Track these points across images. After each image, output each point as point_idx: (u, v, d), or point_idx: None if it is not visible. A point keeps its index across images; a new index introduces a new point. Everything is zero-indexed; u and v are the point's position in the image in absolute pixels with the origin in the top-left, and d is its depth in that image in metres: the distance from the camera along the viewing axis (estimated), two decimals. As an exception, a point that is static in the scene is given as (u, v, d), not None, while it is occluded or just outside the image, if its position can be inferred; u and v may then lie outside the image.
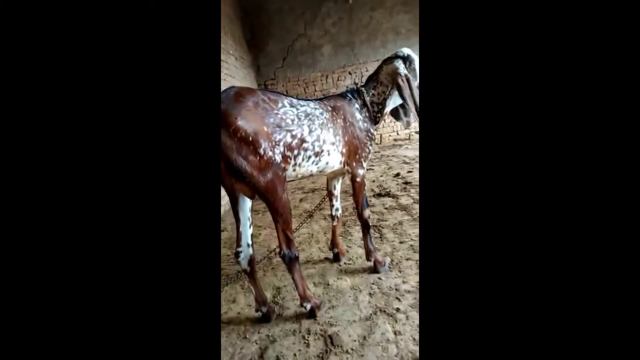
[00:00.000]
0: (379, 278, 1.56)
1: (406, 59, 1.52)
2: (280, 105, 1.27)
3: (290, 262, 1.27)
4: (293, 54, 6.38)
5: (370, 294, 1.45)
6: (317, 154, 1.34)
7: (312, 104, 1.39)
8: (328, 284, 1.59)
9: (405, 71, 1.48)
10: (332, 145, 1.39)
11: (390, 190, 2.99)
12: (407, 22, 6.16)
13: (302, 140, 1.27)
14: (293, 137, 1.24)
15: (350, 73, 6.42)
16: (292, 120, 1.26)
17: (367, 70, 6.38)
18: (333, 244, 1.83)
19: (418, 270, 1.57)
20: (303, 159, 1.30)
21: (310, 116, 1.32)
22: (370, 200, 2.80)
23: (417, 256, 1.71)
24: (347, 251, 1.90)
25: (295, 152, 1.26)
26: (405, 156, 4.73)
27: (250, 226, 1.34)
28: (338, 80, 6.42)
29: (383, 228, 2.16)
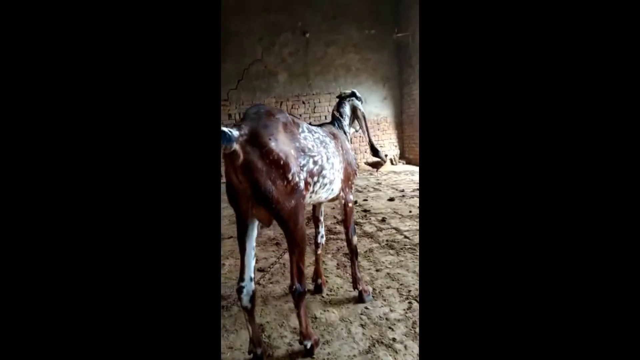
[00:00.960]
0: (366, 308, 1.56)
1: (360, 99, 1.83)
2: (301, 129, 1.24)
3: (299, 297, 1.19)
4: (248, 77, 6.36)
5: (362, 325, 1.43)
6: (330, 182, 1.34)
7: (320, 130, 1.40)
8: (315, 317, 1.52)
9: (362, 109, 1.80)
10: (337, 172, 1.41)
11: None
12: (356, 62, 6.73)
13: (322, 167, 1.26)
14: (315, 163, 1.22)
15: (304, 102, 6.63)
16: (312, 146, 1.23)
17: (319, 102, 6.68)
18: (317, 274, 1.78)
19: (401, 298, 1.62)
20: (320, 186, 1.28)
21: (324, 143, 1.33)
22: (335, 228, 2.84)
23: (396, 284, 1.77)
24: (326, 281, 1.87)
25: (315, 178, 1.23)
26: (356, 185, 4.96)
27: (254, 257, 1.23)
28: (292, 108, 6.57)
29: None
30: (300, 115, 6.43)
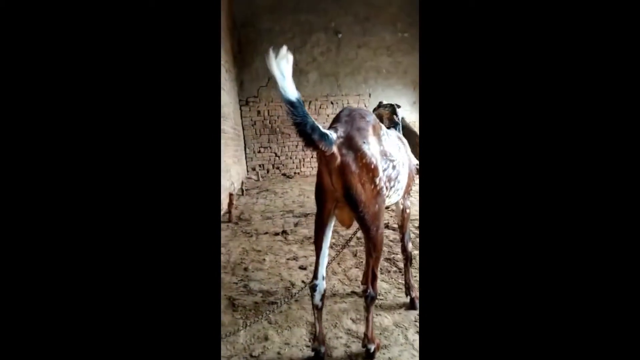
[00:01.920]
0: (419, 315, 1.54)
1: (394, 111, 1.81)
2: (382, 131, 1.23)
3: (371, 302, 1.18)
4: (279, 75, 6.39)
5: (417, 332, 1.41)
6: (402, 187, 1.33)
7: (393, 134, 1.38)
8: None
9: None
10: (404, 177, 1.39)
11: (388, 222, 3.05)
12: (388, 64, 6.67)
13: (398, 172, 1.24)
14: (393, 167, 1.20)
15: (332, 103, 6.63)
16: (392, 151, 1.22)
17: (348, 103, 6.66)
18: (407, 286, 1.62)
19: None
20: (394, 192, 1.27)
21: (399, 147, 1.32)
22: (371, 231, 2.82)
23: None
24: (372, 284, 1.86)
25: (392, 183, 1.22)
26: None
27: (327, 256, 1.23)
28: (320, 107, 6.58)
29: (398, 262, 2.17)
30: (328, 116, 6.43)
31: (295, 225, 3.16)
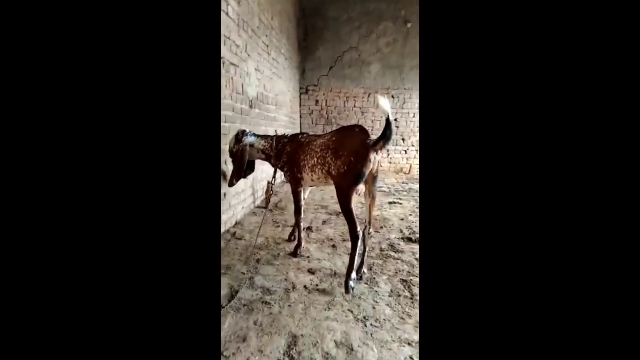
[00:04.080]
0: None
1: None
2: None
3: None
4: (340, 65, 6.26)
5: (401, 377, 1.24)
6: None
7: None
8: (352, 349, 1.39)
9: None
10: None
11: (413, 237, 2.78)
12: (463, 58, 5.96)
13: None
14: None
15: (393, 96, 6.25)
16: None
17: (410, 97, 6.21)
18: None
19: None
20: None
21: None
22: (398, 245, 2.60)
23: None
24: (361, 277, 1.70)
25: None
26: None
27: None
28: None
29: (414, 286, 1.94)
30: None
31: (323, 222, 3.10)
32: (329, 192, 4.43)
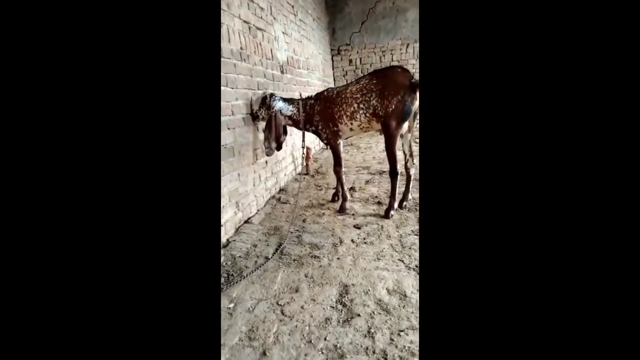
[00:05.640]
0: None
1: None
2: None
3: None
4: (374, 17, 5.79)
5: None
6: None
7: None
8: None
9: None
10: None
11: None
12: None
13: None
14: None
15: (434, 43, 5.65)
16: None
17: (455, 41, 5.56)
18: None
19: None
20: None
21: None
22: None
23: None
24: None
25: None
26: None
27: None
28: (419, 51, 5.72)
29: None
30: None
31: (367, 182, 3.02)
32: (370, 154, 4.29)
